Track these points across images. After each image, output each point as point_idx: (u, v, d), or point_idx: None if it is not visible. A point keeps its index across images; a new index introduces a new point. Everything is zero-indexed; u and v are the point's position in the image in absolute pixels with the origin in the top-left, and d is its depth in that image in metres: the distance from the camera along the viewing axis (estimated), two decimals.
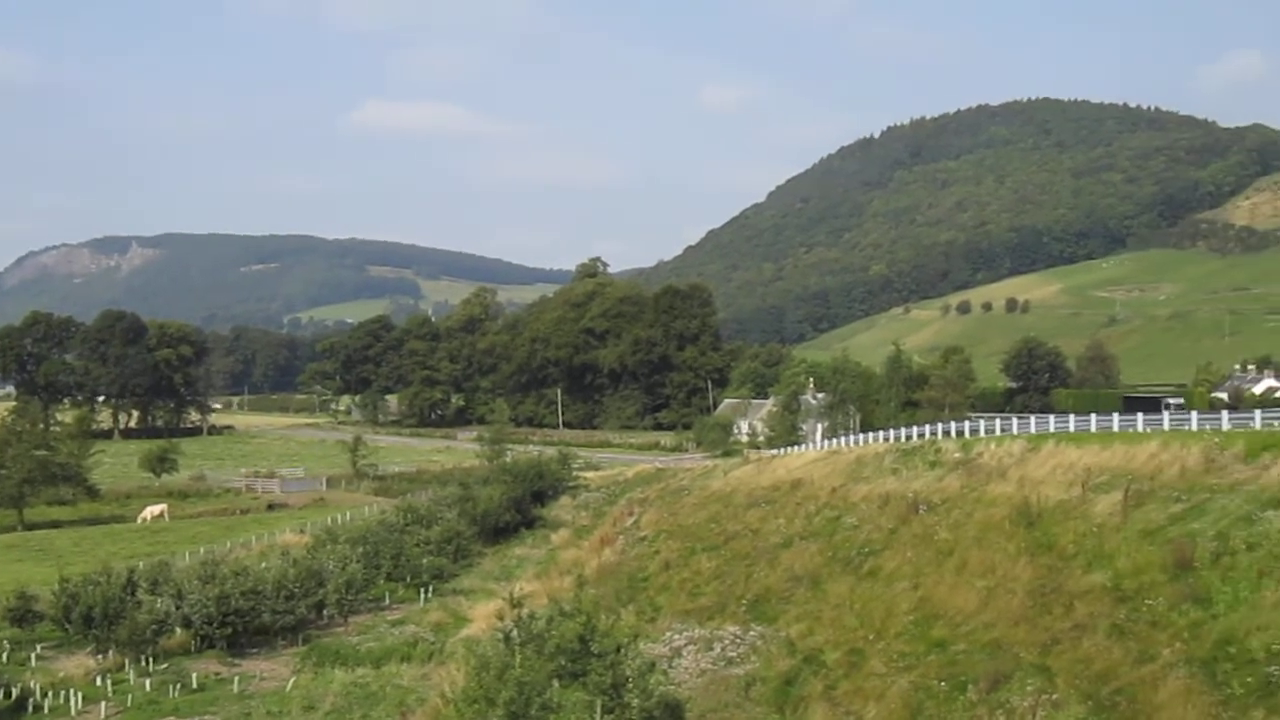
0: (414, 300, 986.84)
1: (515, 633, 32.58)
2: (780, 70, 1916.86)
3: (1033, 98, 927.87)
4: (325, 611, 73.40)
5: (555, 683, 30.45)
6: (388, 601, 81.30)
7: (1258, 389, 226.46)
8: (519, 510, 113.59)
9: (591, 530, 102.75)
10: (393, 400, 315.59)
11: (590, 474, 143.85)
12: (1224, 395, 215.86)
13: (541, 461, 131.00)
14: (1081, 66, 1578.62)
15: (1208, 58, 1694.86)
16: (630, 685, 32.06)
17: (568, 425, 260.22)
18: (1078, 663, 37.52)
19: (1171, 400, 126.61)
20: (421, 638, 66.11)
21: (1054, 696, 35.93)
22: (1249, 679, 31.09)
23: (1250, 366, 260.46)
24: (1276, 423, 61.53)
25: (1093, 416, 80.00)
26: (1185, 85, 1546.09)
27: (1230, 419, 68.33)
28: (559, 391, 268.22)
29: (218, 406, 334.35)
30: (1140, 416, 74.37)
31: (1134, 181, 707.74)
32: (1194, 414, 73.01)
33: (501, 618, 33.68)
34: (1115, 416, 76.96)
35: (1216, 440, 54.05)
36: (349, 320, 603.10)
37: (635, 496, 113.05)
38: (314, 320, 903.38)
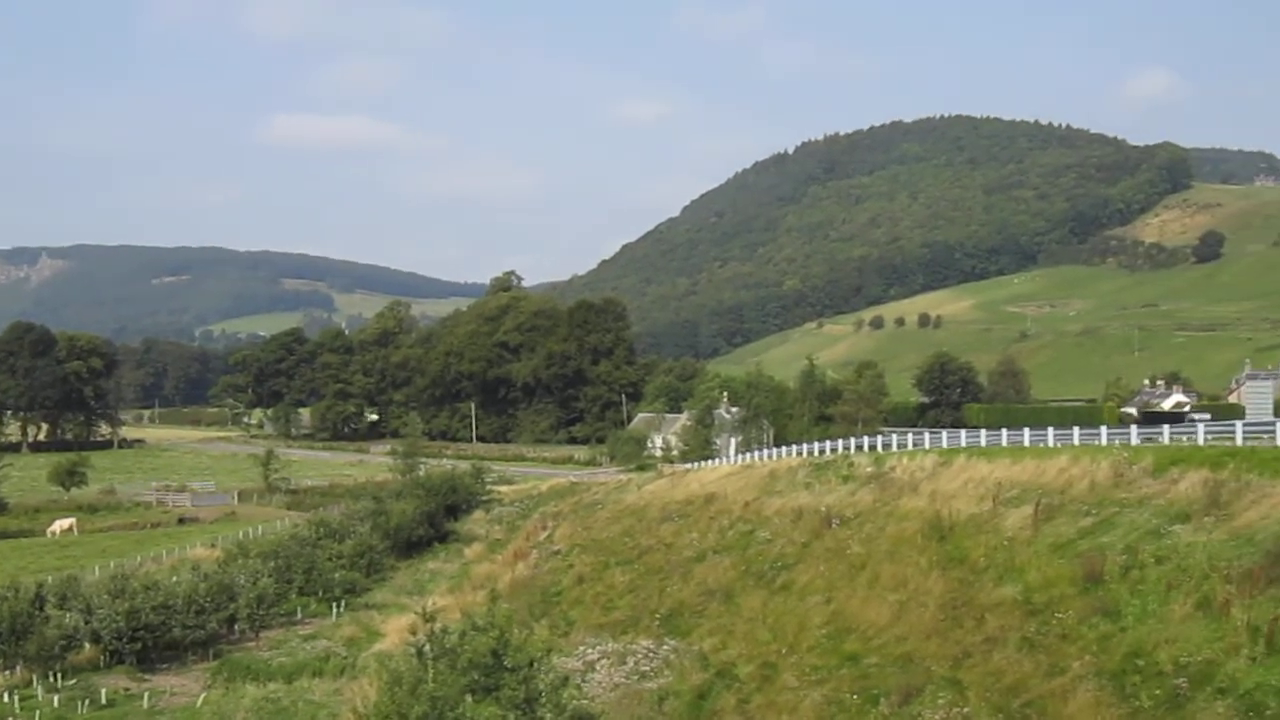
0: (327, 313, 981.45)
1: (428, 647, 32.47)
2: (696, 85, 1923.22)
3: (946, 115, 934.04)
4: (237, 626, 72.86)
5: (468, 698, 30.37)
6: (300, 616, 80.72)
7: (1166, 404, 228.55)
8: (432, 524, 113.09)
9: (505, 544, 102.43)
10: (305, 414, 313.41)
11: (504, 488, 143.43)
12: (1133, 410, 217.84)
13: (455, 475, 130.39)
14: (994, 84, 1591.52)
15: (1118, 76, 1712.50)
16: (543, 700, 32.03)
17: (482, 439, 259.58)
18: (989, 675, 37.81)
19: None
20: (334, 652, 65.75)
21: (965, 710, 36.19)
22: (1157, 691, 31.42)
23: (1159, 382, 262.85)
24: (1185, 438, 62.12)
25: (1004, 431, 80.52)
26: (1096, 103, 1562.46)
27: (1139, 434, 68.99)
28: (473, 405, 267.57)
29: (128, 420, 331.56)
30: (1051, 431, 74.88)
31: (1045, 198, 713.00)
32: (1103, 429, 73.62)
33: (414, 632, 33.63)
34: (1026, 431, 77.47)
35: (1126, 455, 54.50)
36: (262, 333, 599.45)
37: (549, 510, 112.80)
38: (226, 333, 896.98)
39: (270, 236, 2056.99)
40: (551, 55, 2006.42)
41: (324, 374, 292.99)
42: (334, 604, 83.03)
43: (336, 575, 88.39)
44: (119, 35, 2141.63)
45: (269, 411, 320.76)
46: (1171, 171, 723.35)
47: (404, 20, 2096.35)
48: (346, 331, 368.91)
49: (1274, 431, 55.34)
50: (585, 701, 44.49)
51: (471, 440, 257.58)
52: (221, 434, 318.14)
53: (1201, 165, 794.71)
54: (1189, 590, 35.83)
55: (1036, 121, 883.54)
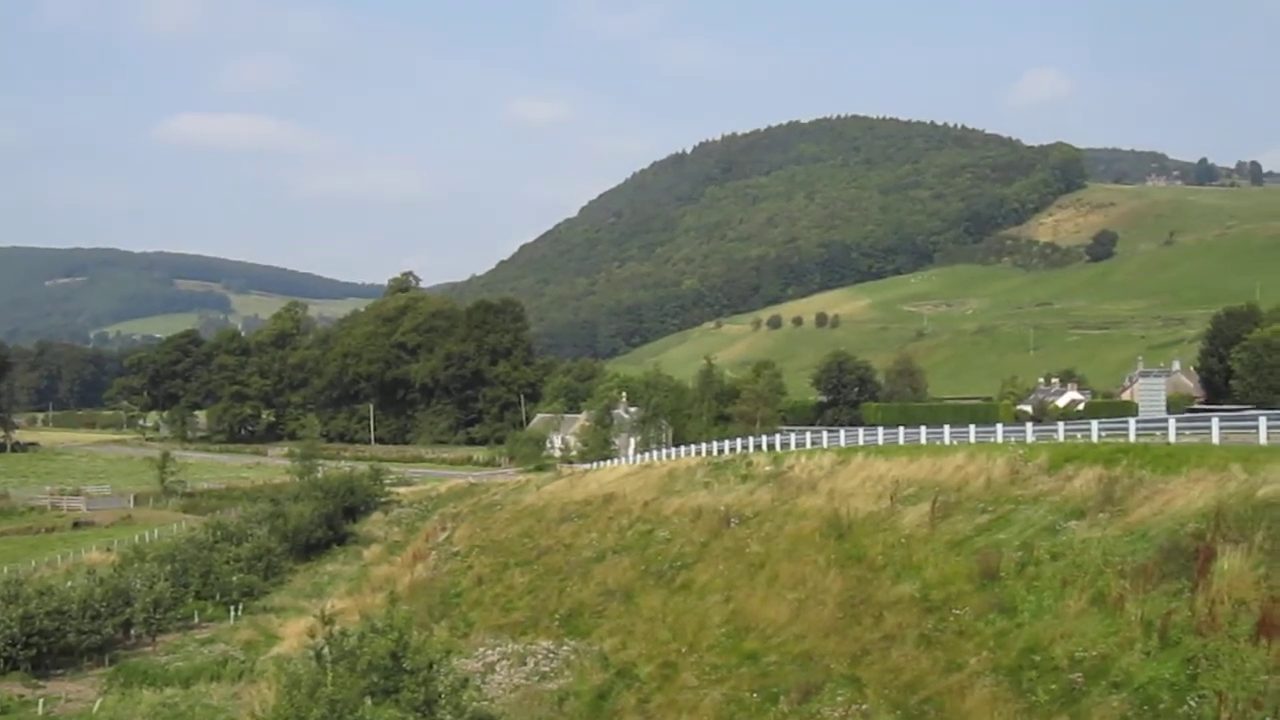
0: (224, 314, 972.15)
1: (327, 650, 32.30)
2: (593, 85, 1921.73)
3: (842, 115, 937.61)
4: (133, 631, 72.23)
5: (367, 700, 30.25)
6: (197, 620, 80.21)
7: (1061, 402, 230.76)
8: (331, 526, 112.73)
9: (404, 546, 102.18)
10: (202, 416, 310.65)
11: (403, 489, 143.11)
12: (1029, 408, 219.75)
13: (353, 477, 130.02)
14: (890, 85, 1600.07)
15: (1012, 77, 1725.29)
16: (443, 702, 31.95)
17: (380, 441, 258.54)
18: (887, 673, 38.00)
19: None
20: (231, 656, 65.31)
21: (864, 707, 36.35)
22: (1053, 686, 31.65)
23: (1054, 380, 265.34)
24: (1079, 435, 62.70)
25: (900, 429, 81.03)
26: (991, 104, 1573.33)
27: (1034, 431, 69.58)
28: (371, 407, 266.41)
29: (22, 423, 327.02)
30: (947, 429, 75.41)
31: (941, 198, 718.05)
32: (999, 426, 74.22)
33: (313, 635, 33.47)
34: (923, 429, 77.96)
35: (1021, 452, 54.94)
36: (157, 335, 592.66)
37: (448, 512, 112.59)
38: (121, 335, 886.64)
39: (166, 237, 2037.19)
40: (448, 55, 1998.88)
41: (220, 376, 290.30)
42: (231, 607, 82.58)
43: (234, 579, 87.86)
44: (9, 34, 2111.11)
45: (165, 414, 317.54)
46: (1065, 171, 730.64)
47: (299, 19, 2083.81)
48: (243, 333, 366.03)
49: (1166, 428, 55.98)
50: (485, 703, 44.41)
51: (370, 442, 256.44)
52: (117, 437, 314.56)
53: (1095, 165, 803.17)
54: (1084, 586, 36.12)
55: (932, 122, 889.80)
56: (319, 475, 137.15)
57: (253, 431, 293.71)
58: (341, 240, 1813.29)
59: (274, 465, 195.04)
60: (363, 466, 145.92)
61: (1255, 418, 50.98)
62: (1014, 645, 35.27)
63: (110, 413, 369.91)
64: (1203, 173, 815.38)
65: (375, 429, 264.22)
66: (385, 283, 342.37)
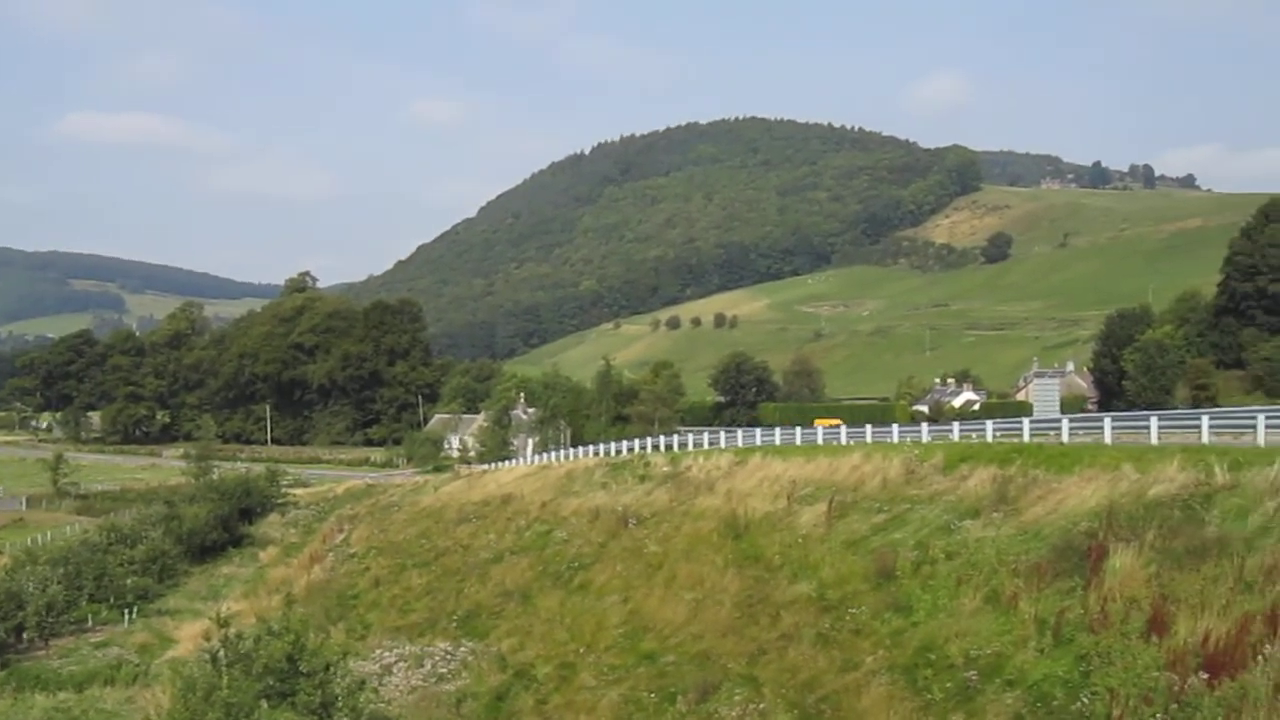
0: (118, 314, 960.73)
1: (222, 653, 32.10)
2: (491, 85, 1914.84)
3: (740, 117, 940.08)
4: (25, 635, 71.32)
5: (263, 703, 30.06)
6: (91, 623, 79.28)
7: (957, 402, 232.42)
8: (226, 528, 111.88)
9: (301, 548, 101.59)
10: (96, 417, 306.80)
11: (300, 491, 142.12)
12: (925, 408, 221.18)
13: (249, 479, 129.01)
14: (787, 87, 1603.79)
15: (909, 80, 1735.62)
16: (339, 704, 31.83)
17: (277, 441, 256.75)
18: (784, 672, 38.14)
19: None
20: (126, 660, 64.69)
21: (761, 706, 36.48)
22: (948, 684, 31.89)
23: (950, 380, 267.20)
24: (974, 435, 63.19)
25: (797, 429, 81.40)
26: (887, 107, 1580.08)
27: (930, 431, 70.06)
28: (267, 408, 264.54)
29: None
30: (844, 429, 75.87)
31: (838, 200, 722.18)
32: (894, 426, 74.74)
33: (208, 638, 33.23)
34: (819, 430, 78.40)
35: (917, 452, 55.30)
36: (50, 335, 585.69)
37: (345, 513, 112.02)
38: (13, 335, 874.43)
39: (59, 236, 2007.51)
40: (349, 53, 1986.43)
41: (114, 376, 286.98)
42: (126, 611, 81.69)
43: (128, 581, 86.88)
44: None
45: (58, 415, 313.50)
46: (961, 174, 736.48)
47: (195, 16, 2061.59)
48: (138, 333, 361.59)
49: (1060, 428, 56.51)
50: (382, 705, 44.24)
51: (266, 443, 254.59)
52: (9, 438, 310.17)
53: (990, 168, 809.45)
54: (978, 585, 36.42)
55: (830, 124, 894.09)
56: (215, 477, 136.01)
57: (148, 433, 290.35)
58: (239, 240, 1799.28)
59: (169, 467, 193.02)
60: (259, 468, 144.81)
61: (1147, 418, 51.58)
62: (910, 644, 35.50)
63: (2, 414, 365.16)
64: (1096, 176, 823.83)
65: (272, 430, 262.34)
66: (282, 283, 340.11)
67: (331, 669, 32.69)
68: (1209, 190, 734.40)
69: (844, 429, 77.17)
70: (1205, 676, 24.25)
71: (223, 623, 33.20)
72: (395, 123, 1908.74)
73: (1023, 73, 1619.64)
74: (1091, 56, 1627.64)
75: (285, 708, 30.36)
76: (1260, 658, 23.77)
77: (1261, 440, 42.79)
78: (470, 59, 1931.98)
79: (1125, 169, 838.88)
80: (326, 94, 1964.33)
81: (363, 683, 36.50)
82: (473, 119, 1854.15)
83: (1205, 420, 48.15)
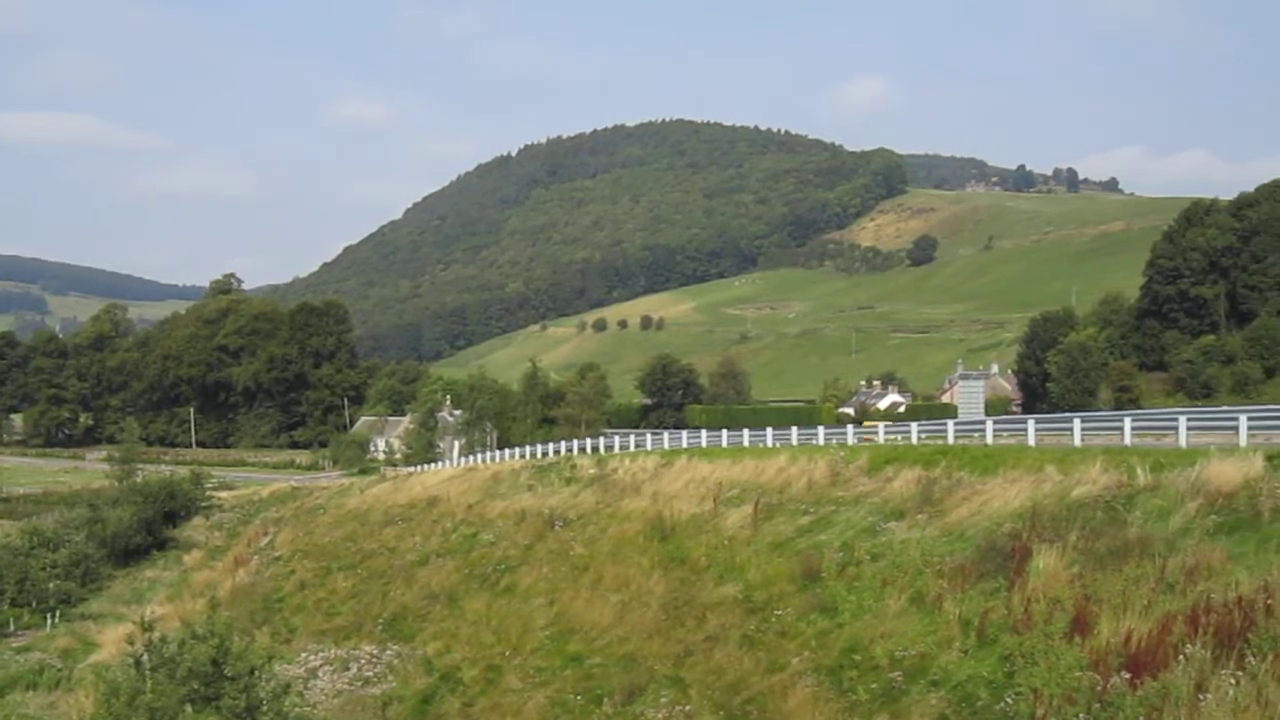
0: (41, 316, 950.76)
1: (146, 657, 31.80)
2: (418, 86, 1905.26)
3: (667, 119, 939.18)
4: None
5: (188, 707, 29.83)
6: (12, 628, 78.68)
7: (882, 404, 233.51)
8: (151, 532, 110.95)
9: (225, 551, 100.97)
10: (18, 420, 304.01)
11: (224, 494, 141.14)
12: (851, 410, 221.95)
13: (174, 481, 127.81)
14: (714, 90, 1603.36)
15: (835, 83, 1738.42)
16: (265, 708, 31.61)
17: (201, 444, 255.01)
18: (710, 673, 38.26)
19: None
20: (48, 665, 64.04)
21: (687, 708, 36.57)
22: (873, 685, 32.06)
23: (875, 382, 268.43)
24: (899, 437, 63.55)
25: (724, 431, 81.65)
26: (813, 110, 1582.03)
27: (855, 433, 70.41)
28: (192, 410, 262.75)
29: None
30: (770, 431, 76.13)
31: (764, 202, 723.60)
32: (820, 429, 75.08)
33: (132, 642, 32.83)
34: (746, 432, 78.67)
35: (842, 454, 55.55)
36: None
37: (270, 516, 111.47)
38: None
39: None
40: (274, 53, 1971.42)
41: (36, 379, 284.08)
42: (48, 615, 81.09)
43: (51, 585, 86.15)
44: None
45: None
46: (887, 177, 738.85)
47: (117, 15, 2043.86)
48: (60, 335, 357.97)
49: (984, 430, 56.93)
50: (308, 709, 44.05)
51: (191, 445, 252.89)
52: None
53: (916, 171, 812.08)
54: (903, 586, 36.64)
55: (756, 127, 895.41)
56: (138, 480, 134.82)
57: (70, 435, 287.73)
58: (163, 241, 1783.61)
59: (92, 469, 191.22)
60: (183, 470, 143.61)
61: (1070, 420, 51.99)
62: (835, 645, 35.66)
63: None
64: (1021, 179, 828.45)
65: (196, 432, 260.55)
66: (207, 285, 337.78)
67: (256, 673, 32.47)
68: (1131, 194, 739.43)
69: (770, 431, 77.43)
70: (1127, 676, 24.44)
71: (147, 627, 32.88)
72: (321, 124, 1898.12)
73: (948, 77, 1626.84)
74: (1016, 61, 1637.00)
75: (210, 712, 30.16)
76: (1181, 657, 23.99)
77: (1183, 442, 43.22)
78: (397, 60, 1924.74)
79: (1049, 172, 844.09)
80: (251, 94, 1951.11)
81: (288, 686, 36.29)
82: (399, 120, 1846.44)
83: (1128, 422, 48.59)
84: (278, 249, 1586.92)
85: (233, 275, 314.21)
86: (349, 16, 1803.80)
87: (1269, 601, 24.60)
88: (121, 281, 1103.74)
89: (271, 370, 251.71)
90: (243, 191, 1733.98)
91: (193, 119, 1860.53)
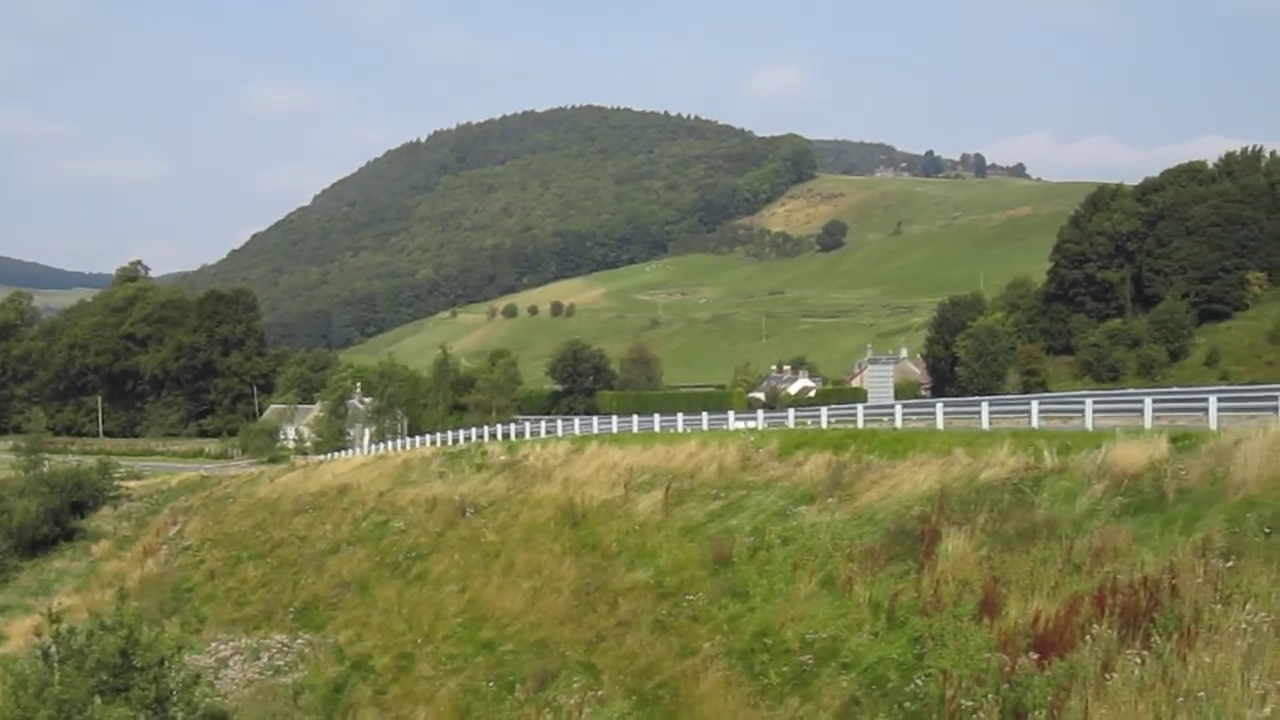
0: None
1: (54, 649, 31.54)
2: (328, 73, 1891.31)
3: (577, 105, 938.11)
4: None
5: (97, 699, 29.56)
6: None
7: (793, 389, 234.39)
8: (58, 522, 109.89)
9: (134, 541, 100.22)
10: None
11: (133, 483, 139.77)
12: (761, 395, 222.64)
13: (81, 471, 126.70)
14: (624, 75, 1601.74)
15: (744, 69, 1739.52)
16: (175, 699, 31.41)
17: (109, 434, 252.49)
18: (622, 659, 38.32)
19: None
20: None
21: (599, 693, 36.63)
22: (784, 668, 32.15)
23: (786, 367, 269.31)
24: (809, 421, 63.84)
25: (635, 417, 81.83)
26: (723, 96, 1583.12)
27: (766, 418, 70.69)
28: (99, 399, 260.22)
29: None
30: (680, 417, 76.35)
31: (675, 188, 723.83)
32: (730, 414, 75.37)
33: (39, 634, 32.55)
34: (657, 417, 78.88)
35: (753, 439, 55.73)
36: None
37: (179, 505, 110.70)
38: None
39: None
40: (177, 38, 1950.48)
41: None
42: None
43: None
44: None
45: None
46: (796, 163, 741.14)
47: (23, 1, 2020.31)
48: None
49: (893, 414, 57.29)
50: (218, 699, 43.77)
51: (99, 435, 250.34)
52: None
53: (825, 156, 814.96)
54: (814, 569, 36.78)
55: (666, 113, 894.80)
56: (45, 470, 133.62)
57: None
58: (68, 229, 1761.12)
59: None
60: (91, 460, 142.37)
61: (978, 404, 52.42)
62: (746, 629, 35.77)
63: None
64: (929, 165, 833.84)
65: (104, 422, 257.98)
66: (114, 272, 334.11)
67: (166, 663, 32.23)
68: (1038, 179, 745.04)
69: (681, 416, 77.65)
70: (1035, 657, 24.64)
71: (54, 618, 32.60)
72: (229, 109, 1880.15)
73: (856, 63, 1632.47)
74: (923, 47, 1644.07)
75: (119, 703, 29.92)
76: (1088, 638, 24.20)
77: (1090, 424, 43.69)
78: (305, 46, 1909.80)
79: (957, 158, 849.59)
80: (158, 80, 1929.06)
81: (198, 677, 36.08)
82: (308, 106, 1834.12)
83: (1035, 405, 49.08)
84: (186, 236, 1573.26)
85: (140, 263, 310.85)
86: (260, 2, 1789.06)
87: (1174, 582, 24.87)
88: (27, 269, 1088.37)
89: (180, 359, 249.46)
90: (151, 179, 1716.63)
91: (99, 105, 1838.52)
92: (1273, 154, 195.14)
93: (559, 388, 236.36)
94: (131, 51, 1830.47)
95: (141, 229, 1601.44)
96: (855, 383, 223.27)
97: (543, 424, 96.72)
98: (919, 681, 27.36)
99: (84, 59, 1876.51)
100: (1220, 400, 40.41)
